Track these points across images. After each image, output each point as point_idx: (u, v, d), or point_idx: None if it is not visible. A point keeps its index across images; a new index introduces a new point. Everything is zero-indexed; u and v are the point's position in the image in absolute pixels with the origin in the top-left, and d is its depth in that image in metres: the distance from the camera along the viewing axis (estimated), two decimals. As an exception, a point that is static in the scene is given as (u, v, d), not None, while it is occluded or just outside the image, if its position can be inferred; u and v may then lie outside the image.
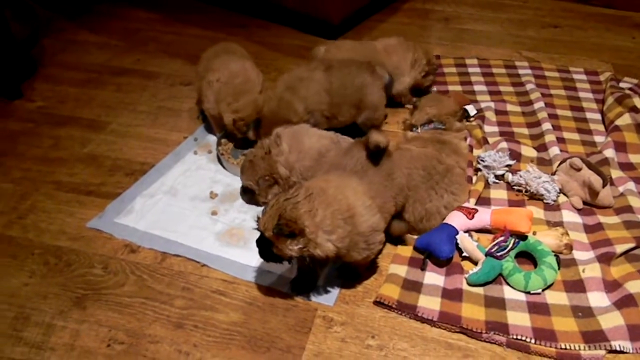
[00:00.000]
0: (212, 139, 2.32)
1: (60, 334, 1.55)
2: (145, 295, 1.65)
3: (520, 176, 1.97)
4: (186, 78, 2.79)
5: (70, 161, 2.23)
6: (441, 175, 1.83)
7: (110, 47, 3.19)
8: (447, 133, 2.02)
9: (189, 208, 1.97)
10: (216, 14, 3.56)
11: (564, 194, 1.95)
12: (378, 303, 1.60)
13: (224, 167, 2.17)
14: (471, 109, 2.37)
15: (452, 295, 1.61)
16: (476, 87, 2.64)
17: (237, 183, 2.09)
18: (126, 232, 1.87)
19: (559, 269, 1.65)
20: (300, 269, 1.65)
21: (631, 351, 1.44)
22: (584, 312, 1.55)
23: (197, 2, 3.72)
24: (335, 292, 1.64)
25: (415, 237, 1.79)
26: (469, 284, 1.64)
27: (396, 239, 1.79)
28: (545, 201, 1.92)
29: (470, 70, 2.79)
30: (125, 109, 2.58)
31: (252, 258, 1.75)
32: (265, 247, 1.49)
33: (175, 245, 1.81)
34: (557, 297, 1.60)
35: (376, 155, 1.64)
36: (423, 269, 1.69)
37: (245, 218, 1.93)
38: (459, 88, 2.64)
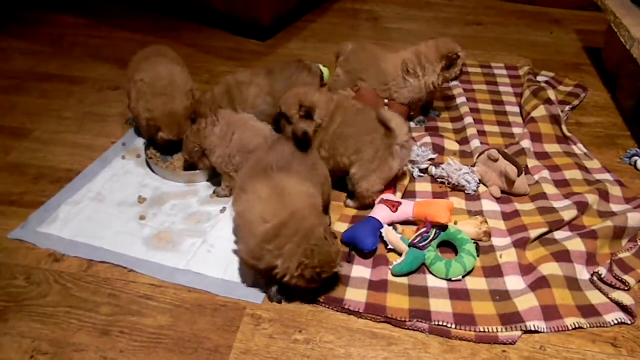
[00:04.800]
0: (141, 143, 2.29)
1: (-20, 349, 1.50)
2: (70, 304, 1.62)
3: (443, 169, 2.05)
4: (114, 83, 2.75)
5: (-8, 171, 2.16)
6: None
7: (35, 53, 3.10)
8: None
9: (116, 214, 1.94)
10: (145, 17, 3.52)
11: (484, 184, 2.04)
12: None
13: (153, 171, 2.16)
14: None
15: (377, 286, 1.65)
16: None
17: (166, 187, 2.08)
18: (50, 241, 1.82)
19: (478, 256, 1.72)
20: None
21: (545, 330, 1.52)
22: (501, 296, 1.62)
23: (126, 6, 3.66)
24: (263, 292, 1.66)
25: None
26: (394, 275, 1.68)
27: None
28: (466, 192, 2.01)
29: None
30: (50, 115, 2.52)
31: (180, 261, 1.75)
32: None
33: (102, 252, 1.78)
34: (476, 283, 1.67)
35: (304, 143, 1.66)
36: (349, 261, 1.73)
37: (175, 221, 1.92)
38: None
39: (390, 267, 1.69)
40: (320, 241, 1.48)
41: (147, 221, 1.92)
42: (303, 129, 1.64)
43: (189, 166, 2.10)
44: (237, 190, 1.65)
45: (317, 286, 1.55)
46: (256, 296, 1.64)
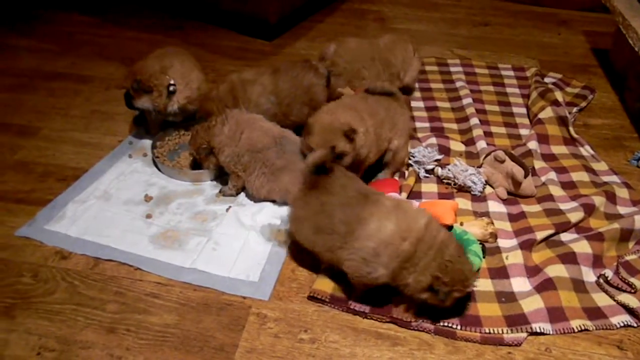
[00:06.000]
0: (148, 142, 2.30)
1: (-13, 345, 1.51)
2: (77, 302, 1.62)
3: (449, 170, 2.04)
4: (120, 82, 2.75)
5: (-1, 169, 2.18)
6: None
7: (43, 51, 3.11)
8: None
9: (123, 212, 1.95)
10: (152, 16, 3.53)
11: (490, 185, 2.04)
12: (312, 298, 1.63)
13: (159, 170, 2.16)
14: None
15: (383, 287, 1.65)
16: (409, 85, 2.71)
17: (172, 185, 2.09)
18: (57, 238, 1.83)
19: (484, 257, 1.72)
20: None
21: (551, 332, 1.52)
22: (507, 297, 1.62)
23: (133, 5, 3.66)
24: (269, 288, 1.66)
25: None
26: (399, 276, 1.68)
27: None
28: (472, 193, 2.00)
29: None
30: (57, 113, 2.53)
31: (186, 259, 1.76)
32: None
33: (108, 250, 1.79)
34: (482, 284, 1.66)
35: (324, 169, 1.59)
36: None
37: (181, 220, 1.93)
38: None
39: (396, 267, 1.69)
40: (454, 257, 1.45)
41: (153, 219, 1.92)
42: (316, 159, 1.59)
43: (195, 165, 2.11)
44: (349, 226, 1.50)
45: (449, 306, 1.50)
46: (261, 293, 1.65)
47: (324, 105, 1.97)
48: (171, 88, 2.18)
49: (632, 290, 1.62)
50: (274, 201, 1.98)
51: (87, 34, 3.32)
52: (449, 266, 1.44)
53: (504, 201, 1.98)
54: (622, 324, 1.55)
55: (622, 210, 1.93)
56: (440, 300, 1.46)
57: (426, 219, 1.50)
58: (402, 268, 1.46)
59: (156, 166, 2.18)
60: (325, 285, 1.65)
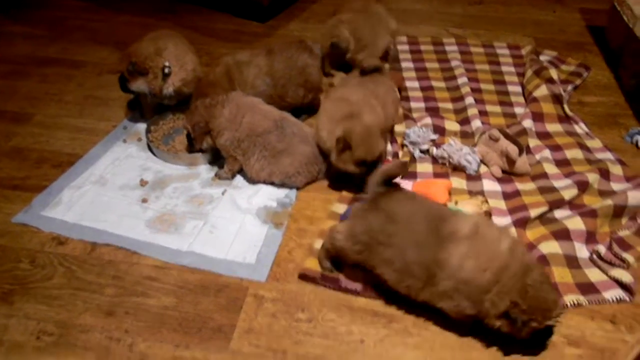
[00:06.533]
0: (142, 126, 2.30)
1: (-13, 330, 1.53)
2: (75, 286, 1.64)
3: (444, 149, 2.04)
4: (115, 66, 2.73)
5: (-6, 156, 2.17)
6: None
7: (35, 37, 3.09)
8: None
9: (119, 197, 1.95)
10: (145, 0, 3.49)
11: (485, 164, 2.04)
12: (303, 277, 1.64)
13: (154, 155, 2.16)
14: None
15: (378, 266, 1.66)
16: (404, 64, 2.71)
17: (167, 170, 2.09)
18: (54, 224, 1.84)
19: (478, 235, 1.72)
20: None
21: (545, 308, 1.54)
22: (501, 274, 1.63)
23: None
24: (266, 270, 1.68)
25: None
26: (395, 255, 1.69)
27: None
28: (467, 172, 2.01)
29: (399, 47, 2.84)
30: (51, 99, 2.52)
31: (183, 242, 1.77)
32: None
33: (105, 235, 1.80)
34: (477, 262, 1.68)
35: (391, 180, 1.53)
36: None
37: (177, 203, 1.93)
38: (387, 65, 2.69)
39: (391, 247, 1.70)
40: (537, 283, 1.31)
41: (149, 204, 1.93)
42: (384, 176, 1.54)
43: (191, 149, 2.10)
44: (428, 271, 1.39)
45: (525, 337, 1.36)
46: (258, 275, 1.66)
47: (334, 105, 1.95)
48: (166, 70, 2.17)
49: (625, 266, 1.63)
50: (271, 183, 1.99)
51: (80, 19, 3.29)
52: (530, 292, 1.30)
53: (499, 180, 1.99)
54: (615, 299, 1.57)
55: (615, 186, 1.94)
56: (516, 330, 1.34)
57: (509, 241, 1.38)
58: (483, 299, 1.34)
59: (151, 150, 2.18)
60: (316, 264, 1.67)
